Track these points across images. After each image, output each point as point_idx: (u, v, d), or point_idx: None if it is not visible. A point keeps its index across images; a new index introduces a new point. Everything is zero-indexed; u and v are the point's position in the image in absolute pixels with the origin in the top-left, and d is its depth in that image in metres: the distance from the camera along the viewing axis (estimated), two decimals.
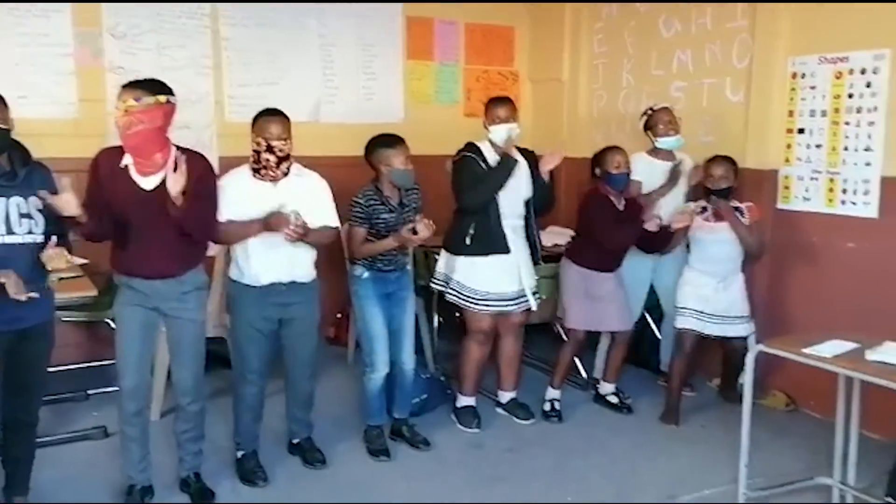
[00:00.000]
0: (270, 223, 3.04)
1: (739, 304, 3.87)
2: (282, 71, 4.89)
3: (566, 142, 5.27)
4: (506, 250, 3.67)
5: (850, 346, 2.65)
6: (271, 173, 3.10)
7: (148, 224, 2.76)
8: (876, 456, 3.11)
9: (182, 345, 2.97)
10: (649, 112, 4.19)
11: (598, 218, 3.81)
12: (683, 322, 3.87)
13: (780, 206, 4.11)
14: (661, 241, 3.86)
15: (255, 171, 3.12)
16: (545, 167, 3.68)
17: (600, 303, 3.88)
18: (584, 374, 4.41)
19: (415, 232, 3.29)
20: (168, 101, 2.73)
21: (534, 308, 3.82)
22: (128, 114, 2.66)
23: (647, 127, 4.18)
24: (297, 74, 4.94)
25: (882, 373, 2.43)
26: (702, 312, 3.83)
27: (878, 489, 2.99)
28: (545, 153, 3.72)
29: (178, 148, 2.84)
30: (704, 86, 4.49)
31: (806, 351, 2.65)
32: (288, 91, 4.82)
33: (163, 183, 2.76)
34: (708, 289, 3.83)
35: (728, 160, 3.80)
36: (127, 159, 2.77)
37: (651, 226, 3.75)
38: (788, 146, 4.06)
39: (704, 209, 3.82)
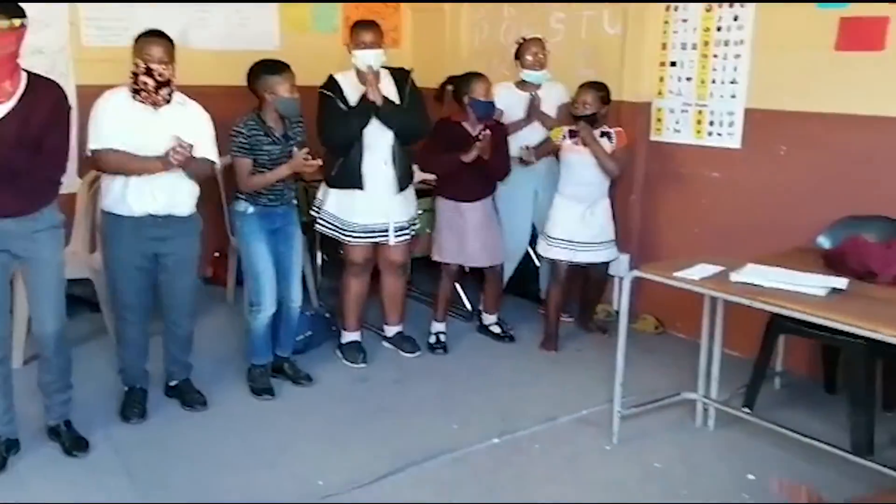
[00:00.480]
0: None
1: (606, 230, 3.99)
2: None
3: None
4: (359, 186, 3.60)
5: (715, 269, 2.79)
6: (151, 97, 2.92)
7: None
8: (735, 371, 3.34)
9: (39, 288, 2.76)
10: (521, 41, 4.17)
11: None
12: (554, 252, 3.97)
13: (653, 137, 4.25)
14: (497, 170, 3.87)
15: (136, 92, 2.93)
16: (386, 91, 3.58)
17: (467, 237, 3.89)
18: (468, 305, 4.48)
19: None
20: (22, 25, 2.50)
21: (392, 242, 3.75)
22: None
23: (517, 56, 4.17)
24: None
25: (744, 292, 2.59)
26: (571, 241, 3.93)
27: (736, 401, 3.24)
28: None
29: (30, 74, 2.61)
30: (583, 18, 4.51)
31: (676, 275, 2.78)
32: (152, 13, 4.43)
33: (10, 112, 2.53)
34: (576, 217, 3.90)
35: (595, 87, 3.82)
36: None
37: (467, 158, 3.68)
38: (661, 79, 4.18)
39: (574, 133, 3.86)
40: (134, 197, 2.98)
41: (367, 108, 3.50)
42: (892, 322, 2.28)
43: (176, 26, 4.54)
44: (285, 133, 3.34)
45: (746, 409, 3.19)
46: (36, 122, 2.54)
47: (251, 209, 3.36)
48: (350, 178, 3.60)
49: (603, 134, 3.84)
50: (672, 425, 3.23)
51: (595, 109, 3.80)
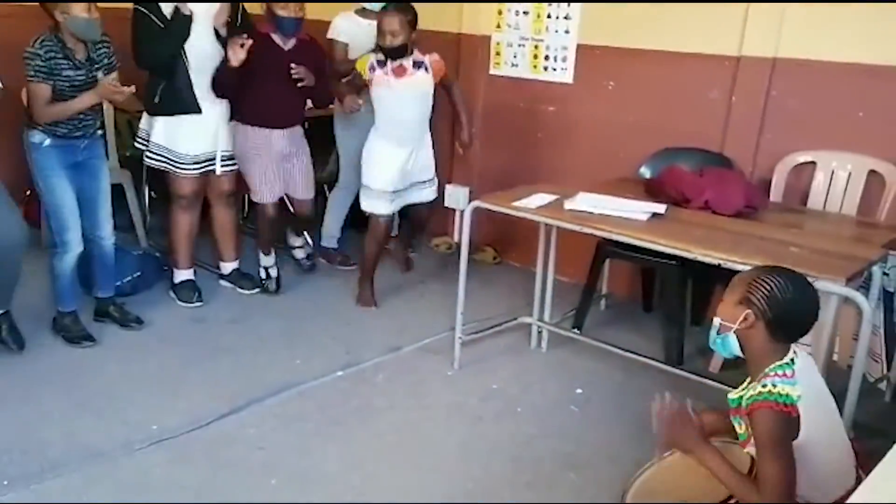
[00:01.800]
0: None
1: (429, 168, 3.70)
2: None
3: None
4: (196, 110, 3.42)
5: (550, 198, 2.90)
6: None
7: None
8: (566, 296, 3.55)
9: None
10: None
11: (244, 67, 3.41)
12: (375, 206, 3.59)
13: (492, 71, 4.30)
14: (318, 92, 3.64)
15: None
16: (217, 22, 3.39)
17: (279, 166, 3.68)
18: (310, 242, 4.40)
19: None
20: None
21: (218, 171, 3.58)
22: None
23: None
24: None
25: (576, 219, 2.71)
26: (394, 192, 3.57)
27: (567, 323, 3.46)
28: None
29: None
30: None
31: (515, 204, 2.86)
32: None
33: None
34: (399, 165, 3.54)
35: (401, 11, 3.34)
36: None
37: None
38: (500, 12, 4.21)
39: (382, 62, 3.41)
40: None
41: (182, 22, 3.28)
42: (702, 243, 2.49)
43: None
44: (88, 56, 3.02)
45: (576, 330, 3.41)
46: None
47: (47, 141, 3.02)
48: (182, 102, 3.39)
49: (416, 64, 3.43)
50: (509, 348, 3.37)
51: (405, 39, 3.34)
